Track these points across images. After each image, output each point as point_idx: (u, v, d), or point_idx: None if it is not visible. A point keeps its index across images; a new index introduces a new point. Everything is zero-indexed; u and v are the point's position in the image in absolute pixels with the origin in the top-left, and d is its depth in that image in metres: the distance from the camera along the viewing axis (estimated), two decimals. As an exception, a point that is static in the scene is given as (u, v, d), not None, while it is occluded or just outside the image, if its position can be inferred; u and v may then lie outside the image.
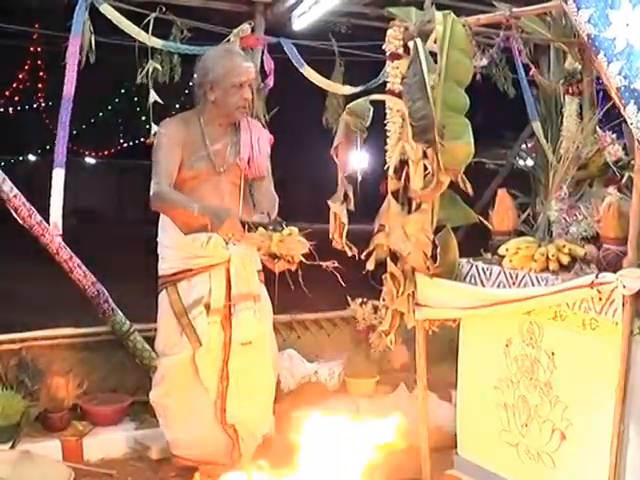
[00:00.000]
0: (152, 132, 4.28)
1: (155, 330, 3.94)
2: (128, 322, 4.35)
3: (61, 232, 3.93)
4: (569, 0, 2.18)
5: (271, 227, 3.24)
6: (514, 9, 3.28)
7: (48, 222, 4.03)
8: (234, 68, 3.54)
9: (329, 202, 3.34)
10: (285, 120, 4.89)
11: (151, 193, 3.50)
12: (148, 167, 3.63)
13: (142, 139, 4.40)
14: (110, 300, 4.31)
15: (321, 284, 3.24)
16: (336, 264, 3.20)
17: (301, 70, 4.70)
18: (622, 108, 2.14)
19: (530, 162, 4.32)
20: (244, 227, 3.27)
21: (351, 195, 3.33)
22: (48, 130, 12.44)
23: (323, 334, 5.07)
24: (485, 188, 5.75)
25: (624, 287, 2.76)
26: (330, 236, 3.34)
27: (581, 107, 3.76)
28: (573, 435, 3.14)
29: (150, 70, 4.21)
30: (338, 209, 3.30)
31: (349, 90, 4.89)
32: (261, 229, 3.23)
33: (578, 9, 2.18)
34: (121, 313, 4.35)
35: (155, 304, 3.77)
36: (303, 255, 3.21)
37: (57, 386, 4.00)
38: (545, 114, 3.97)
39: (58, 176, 3.91)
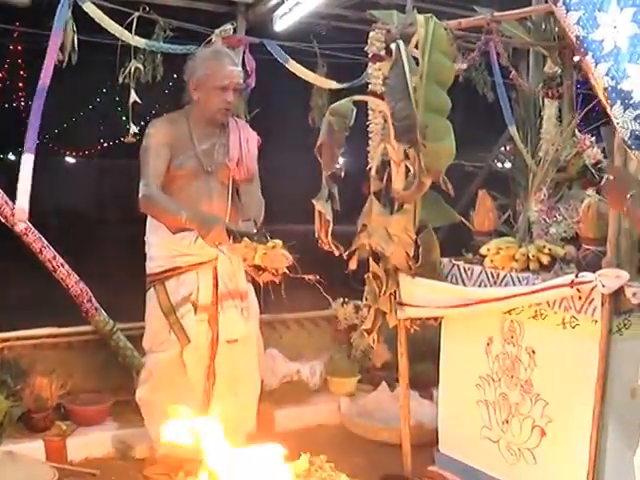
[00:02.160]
0: (131, 131, 4.29)
1: (138, 329, 3.97)
2: (111, 321, 4.36)
3: (27, 217, 3.88)
4: (559, 2, 2.23)
5: (256, 238, 3.26)
6: (495, 13, 3.35)
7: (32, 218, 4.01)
8: (219, 70, 3.54)
9: (313, 201, 3.37)
10: (266, 120, 4.90)
11: (140, 195, 3.50)
12: (130, 166, 3.64)
13: (122, 138, 4.37)
14: (93, 299, 4.31)
15: (303, 283, 3.26)
16: (318, 277, 3.22)
17: (286, 65, 4.71)
18: (609, 108, 2.21)
19: (508, 165, 4.38)
20: (230, 235, 3.29)
21: (336, 194, 3.36)
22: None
23: (305, 333, 5.11)
24: (463, 190, 5.80)
25: (603, 286, 2.83)
26: (316, 235, 3.38)
27: (560, 110, 3.84)
28: (553, 431, 3.21)
29: (132, 70, 4.21)
30: (322, 207, 3.33)
31: (335, 85, 4.91)
32: (246, 240, 3.25)
33: (567, 11, 2.24)
34: (104, 312, 4.35)
35: (137, 303, 3.78)
36: (287, 267, 3.23)
37: (40, 386, 3.98)
38: (524, 117, 4.03)
39: (27, 161, 3.84)
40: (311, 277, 3.20)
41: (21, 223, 3.90)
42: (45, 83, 3.88)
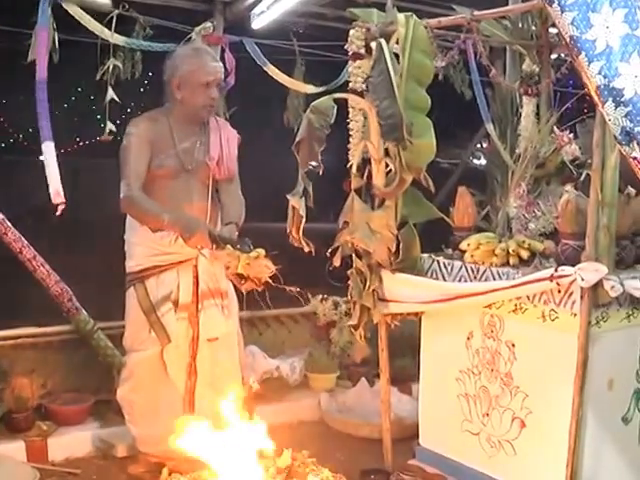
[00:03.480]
0: (107, 129, 4.27)
1: (118, 328, 3.95)
2: (92, 320, 4.34)
3: (64, 199, 3.87)
4: (554, 3, 2.30)
5: (239, 246, 3.27)
6: (475, 12, 3.39)
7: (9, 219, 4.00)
8: (201, 67, 3.52)
9: (288, 196, 3.38)
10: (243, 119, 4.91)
11: (121, 196, 3.47)
12: (106, 165, 3.63)
13: (98, 137, 4.37)
14: (74, 298, 4.29)
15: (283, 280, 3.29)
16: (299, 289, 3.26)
17: (264, 68, 4.74)
18: (601, 105, 2.28)
19: (483, 161, 4.44)
20: (213, 241, 3.30)
21: (310, 191, 3.38)
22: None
23: (284, 330, 5.12)
24: (439, 187, 5.86)
25: (582, 280, 2.89)
26: (287, 231, 3.40)
27: (538, 107, 3.91)
28: (533, 423, 3.26)
29: (111, 68, 4.20)
30: (297, 203, 3.33)
31: (312, 89, 4.94)
32: (229, 247, 3.26)
33: (562, 11, 2.32)
34: (85, 311, 4.33)
35: (116, 302, 3.77)
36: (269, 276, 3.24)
37: (20, 386, 3.95)
38: (501, 115, 4.09)
39: (49, 148, 3.90)
40: (292, 289, 3.22)
41: (60, 205, 3.87)
42: (43, 76, 3.89)
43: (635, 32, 2.28)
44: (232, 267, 3.23)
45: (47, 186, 3.84)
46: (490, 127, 4.37)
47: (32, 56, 3.90)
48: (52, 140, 3.90)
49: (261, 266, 3.21)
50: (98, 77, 4.28)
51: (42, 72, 3.90)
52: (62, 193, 3.84)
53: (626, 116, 2.23)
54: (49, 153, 3.88)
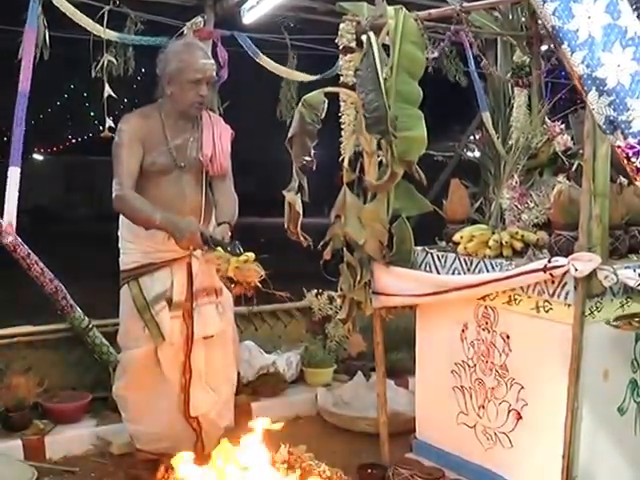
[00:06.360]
0: (107, 126, 4.26)
1: (113, 325, 3.95)
2: (87, 318, 4.34)
3: (15, 232, 3.86)
4: None
5: (229, 249, 3.27)
6: (465, 3, 3.39)
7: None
8: (192, 64, 3.47)
9: (284, 192, 3.38)
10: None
11: (114, 195, 3.43)
12: (98, 163, 3.61)
13: (96, 133, 4.34)
14: (68, 296, 4.28)
15: (277, 276, 3.29)
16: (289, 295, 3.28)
17: (257, 59, 4.73)
18: (584, 95, 2.30)
19: (477, 153, 4.43)
20: (205, 242, 3.30)
21: (305, 186, 3.38)
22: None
23: (280, 325, 5.14)
24: (433, 180, 5.86)
25: (576, 270, 2.88)
26: (285, 226, 3.39)
27: (529, 98, 3.90)
28: (529, 415, 3.26)
29: (105, 63, 4.18)
30: (292, 199, 3.34)
31: (306, 77, 4.93)
32: (219, 250, 3.26)
33: (544, 2, 2.34)
34: (79, 309, 4.33)
35: (109, 300, 3.77)
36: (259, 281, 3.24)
37: (17, 385, 3.97)
38: (494, 106, 4.09)
39: (13, 175, 3.76)
40: (282, 293, 3.23)
41: (8, 236, 3.84)
42: (25, 89, 3.78)
43: (617, 22, 2.30)
44: (222, 270, 3.23)
45: (42, 184, 3.83)
46: (487, 115, 4.33)
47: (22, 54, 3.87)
48: (19, 166, 3.77)
49: (250, 270, 3.20)
50: (93, 74, 4.25)
51: (25, 84, 3.77)
52: (14, 226, 3.77)
53: (609, 105, 2.25)
54: (13, 180, 3.76)
